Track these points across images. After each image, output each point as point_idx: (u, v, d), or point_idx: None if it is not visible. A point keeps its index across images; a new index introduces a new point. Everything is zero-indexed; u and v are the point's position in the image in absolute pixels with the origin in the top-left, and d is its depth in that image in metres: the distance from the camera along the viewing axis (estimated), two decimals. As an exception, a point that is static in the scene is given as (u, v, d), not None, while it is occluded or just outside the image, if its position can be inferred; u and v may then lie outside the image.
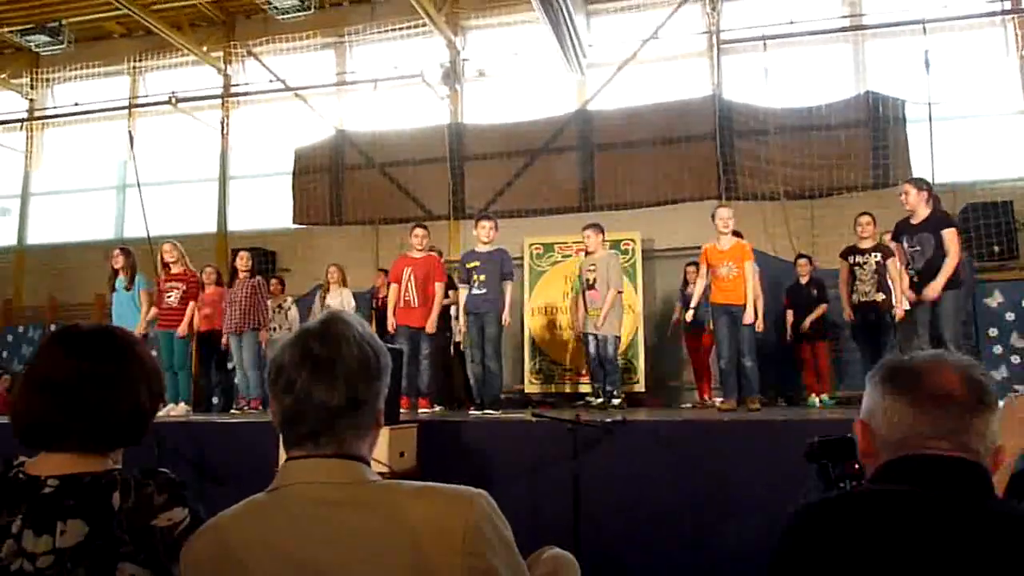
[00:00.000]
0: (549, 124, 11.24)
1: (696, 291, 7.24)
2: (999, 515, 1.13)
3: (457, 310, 8.03)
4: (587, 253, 7.63)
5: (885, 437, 1.24)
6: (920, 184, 6.31)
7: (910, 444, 1.22)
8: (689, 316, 7.41)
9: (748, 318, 6.69)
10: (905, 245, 6.25)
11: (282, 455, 1.34)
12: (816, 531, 1.17)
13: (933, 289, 5.98)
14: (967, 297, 7.68)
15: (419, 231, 7.58)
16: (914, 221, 6.22)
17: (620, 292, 7.35)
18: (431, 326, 7.31)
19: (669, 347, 9.91)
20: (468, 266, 7.16)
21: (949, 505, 1.12)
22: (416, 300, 7.32)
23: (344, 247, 11.37)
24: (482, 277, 7.01)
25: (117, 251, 8.04)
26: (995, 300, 9.09)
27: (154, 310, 7.85)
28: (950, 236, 6.07)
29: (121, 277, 7.91)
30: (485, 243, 7.18)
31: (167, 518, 1.38)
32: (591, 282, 7.36)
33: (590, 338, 7.34)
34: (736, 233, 7.13)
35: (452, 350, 8.74)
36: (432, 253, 7.76)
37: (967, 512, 1.12)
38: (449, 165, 11.43)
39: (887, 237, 7.04)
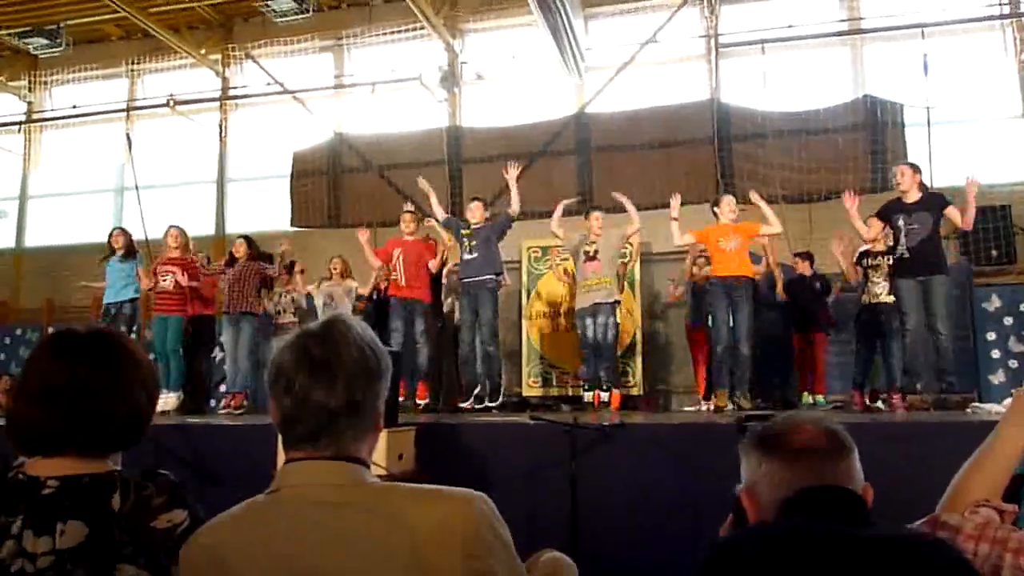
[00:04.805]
0: (547, 127, 11.24)
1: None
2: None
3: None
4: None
5: (770, 498, 1.36)
6: (915, 167, 6.45)
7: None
8: (679, 293, 7.23)
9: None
10: (901, 223, 6.19)
11: (281, 457, 1.34)
12: (733, 568, 1.25)
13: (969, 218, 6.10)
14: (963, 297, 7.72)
15: (407, 215, 7.66)
16: (908, 200, 6.24)
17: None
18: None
19: (665, 351, 9.89)
20: (462, 233, 7.10)
21: (859, 539, 1.21)
22: (404, 279, 7.30)
23: (342, 250, 11.29)
24: (474, 243, 6.91)
25: (118, 231, 8.27)
26: (993, 304, 9.08)
27: (147, 281, 7.86)
28: (953, 209, 6.17)
29: (118, 253, 8.01)
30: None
31: (167, 520, 1.37)
32: (592, 253, 7.02)
33: (587, 320, 6.97)
34: None
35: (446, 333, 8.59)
36: (423, 239, 7.74)
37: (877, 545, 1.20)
38: (447, 168, 11.42)
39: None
